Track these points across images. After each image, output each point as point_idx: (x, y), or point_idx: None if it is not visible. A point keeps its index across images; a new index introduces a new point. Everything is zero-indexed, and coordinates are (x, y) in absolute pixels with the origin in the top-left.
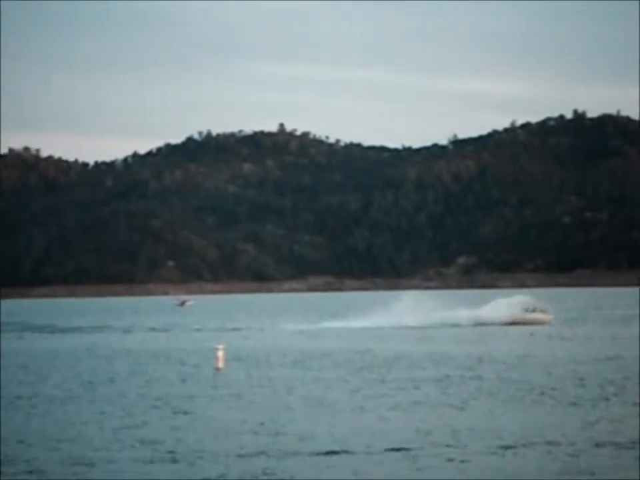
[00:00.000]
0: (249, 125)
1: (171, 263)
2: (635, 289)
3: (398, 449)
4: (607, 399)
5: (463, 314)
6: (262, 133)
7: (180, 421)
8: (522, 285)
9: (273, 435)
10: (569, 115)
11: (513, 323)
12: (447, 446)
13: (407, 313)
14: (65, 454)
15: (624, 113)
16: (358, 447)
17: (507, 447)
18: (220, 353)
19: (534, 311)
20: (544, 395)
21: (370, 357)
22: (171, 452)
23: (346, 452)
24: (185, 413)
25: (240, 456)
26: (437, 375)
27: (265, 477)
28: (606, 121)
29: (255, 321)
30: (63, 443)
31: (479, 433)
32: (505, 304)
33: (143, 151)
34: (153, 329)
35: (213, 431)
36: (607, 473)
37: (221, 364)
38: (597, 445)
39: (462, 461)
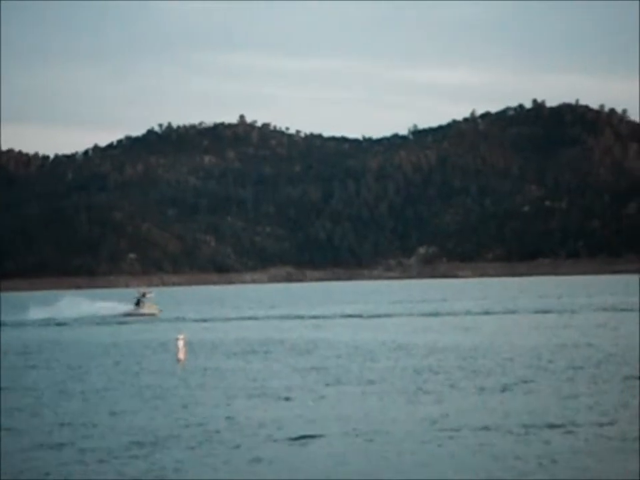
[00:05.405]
0: (210, 116)
1: (131, 255)
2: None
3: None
4: None
5: None
6: (222, 124)
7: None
8: (483, 274)
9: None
10: (528, 105)
11: None
12: None
13: None
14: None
15: (582, 102)
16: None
17: None
18: (180, 344)
19: None
20: None
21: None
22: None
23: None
24: (145, 401)
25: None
26: None
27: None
28: (565, 110)
29: (216, 312)
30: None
31: None
32: None
33: (103, 143)
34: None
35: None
36: None
37: (181, 355)
38: None
39: None
